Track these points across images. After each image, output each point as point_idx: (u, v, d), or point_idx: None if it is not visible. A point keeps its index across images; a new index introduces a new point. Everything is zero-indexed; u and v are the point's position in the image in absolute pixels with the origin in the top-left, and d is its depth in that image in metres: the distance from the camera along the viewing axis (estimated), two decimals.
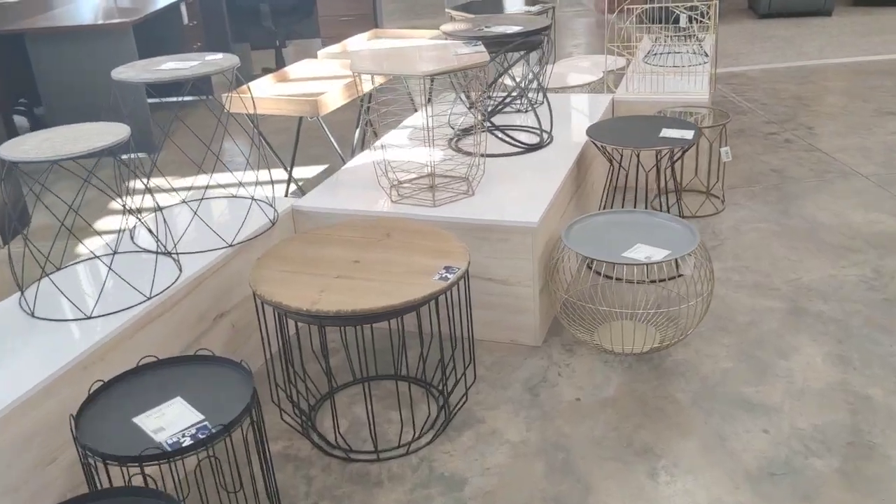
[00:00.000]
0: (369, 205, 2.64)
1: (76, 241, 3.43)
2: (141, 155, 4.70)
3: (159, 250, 2.35)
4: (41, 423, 1.74)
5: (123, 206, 2.06)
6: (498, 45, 2.82)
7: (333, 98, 2.95)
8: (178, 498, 1.53)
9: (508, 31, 2.85)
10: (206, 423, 1.61)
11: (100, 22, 4.50)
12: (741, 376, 2.38)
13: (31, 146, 1.92)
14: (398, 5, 10.22)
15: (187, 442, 1.55)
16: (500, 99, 3.25)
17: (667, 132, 2.86)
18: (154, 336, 2.08)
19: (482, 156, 2.94)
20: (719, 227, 3.33)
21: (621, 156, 2.98)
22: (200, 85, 5.36)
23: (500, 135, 3.12)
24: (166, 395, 1.71)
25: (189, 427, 1.60)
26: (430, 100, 3.49)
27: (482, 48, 2.56)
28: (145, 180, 4.12)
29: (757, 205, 3.52)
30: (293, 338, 2.69)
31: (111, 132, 2.01)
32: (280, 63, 6.29)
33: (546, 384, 2.40)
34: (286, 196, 3.54)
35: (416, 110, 3.67)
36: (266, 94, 3.11)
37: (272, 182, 2.89)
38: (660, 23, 4.18)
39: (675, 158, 2.87)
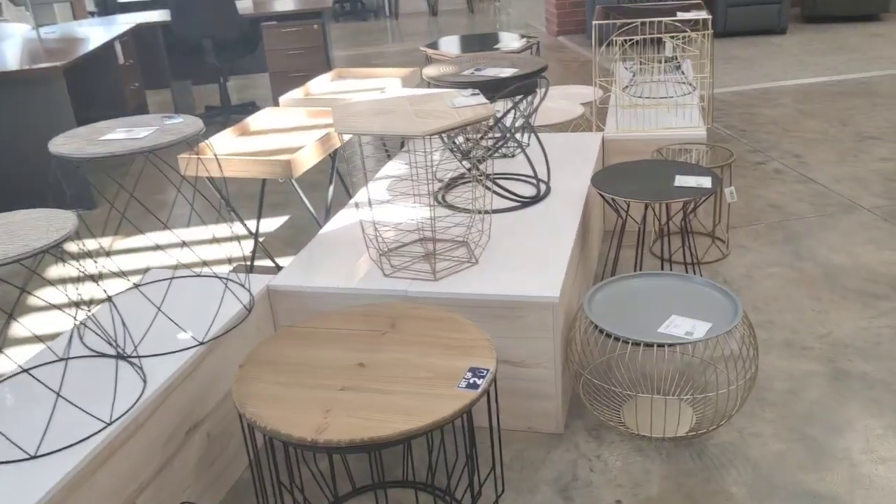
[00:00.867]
0: (358, 280, 2.29)
1: (18, 345, 2.99)
2: (81, 211, 4.24)
3: (117, 353, 1.96)
4: None
5: (75, 303, 1.67)
6: (494, 89, 2.51)
7: (308, 156, 2.60)
8: None
9: (503, 75, 2.54)
10: None
11: (25, 67, 4.04)
12: (797, 460, 2.09)
13: None
14: (340, 32, 9.89)
15: None
16: (492, 144, 2.94)
17: (682, 179, 2.59)
18: (118, 470, 1.69)
19: (484, 212, 2.62)
20: (730, 275, 3.07)
21: (628, 206, 2.69)
22: None
23: (494, 186, 2.81)
24: None
25: None
26: (405, 147, 3.16)
27: (481, 97, 2.25)
28: (92, 262, 3.68)
29: (763, 246, 3.27)
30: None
31: (53, 225, 1.62)
32: (225, 99, 5.88)
33: (579, 484, 2.08)
34: (251, 266, 3.13)
35: (389, 157, 3.33)
36: (228, 151, 2.73)
37: (247, 261, 2.51)
38: (646, 52, 3.94)
39: (692, 210, 2.60)
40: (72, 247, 3.18)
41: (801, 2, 7.96)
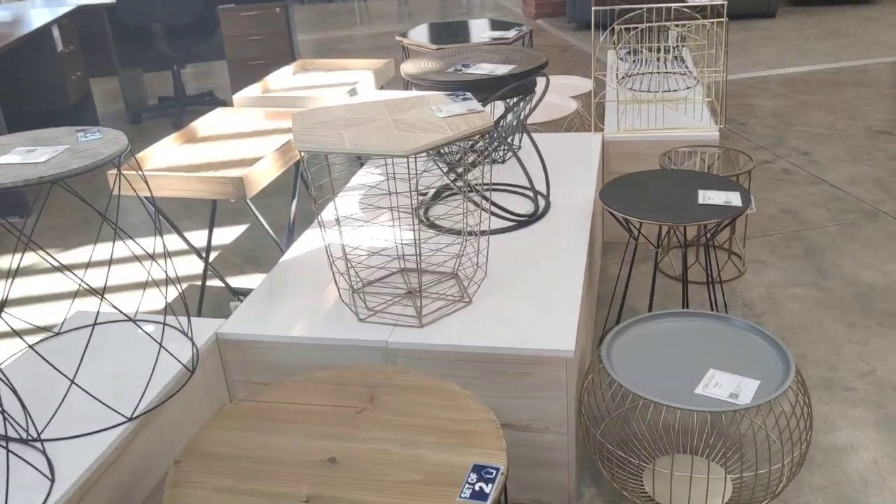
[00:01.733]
0: (327, 327, 1.89)
1: None
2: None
3: (17, 437, 1.54)
4: None
5: None
6: (487, 89, 2.11)
7: (265, 170, 2.17)
8: None
9: (498, 73, 2.14)
10: None
11: None
12: None
13: None
14: (304, 14, 9.37)
15: None
16: (481, 149, 2.54)
17: (706, 195, 2.21)
18: None
19: (479, 234, 2.22)
20: (750, 297, 2.71)
21: (640, 225, 2.31)
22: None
23: (486, 203, 2.41)
24: None
25: None
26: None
27: (474, 102, 1.84)
28: None
29: (783, 261, 2.92)
30: None
31: None
32: (180, 89, 5.39)
33: None
34: (199, 308, 2.66)
35: (361, 164, 2.91)
36: (169, 164, 2.29)
37: (188, 311, 2.09)
38: (649, 42, 3.55)
39: (719, 230, 2.23)
40: None
41: None
